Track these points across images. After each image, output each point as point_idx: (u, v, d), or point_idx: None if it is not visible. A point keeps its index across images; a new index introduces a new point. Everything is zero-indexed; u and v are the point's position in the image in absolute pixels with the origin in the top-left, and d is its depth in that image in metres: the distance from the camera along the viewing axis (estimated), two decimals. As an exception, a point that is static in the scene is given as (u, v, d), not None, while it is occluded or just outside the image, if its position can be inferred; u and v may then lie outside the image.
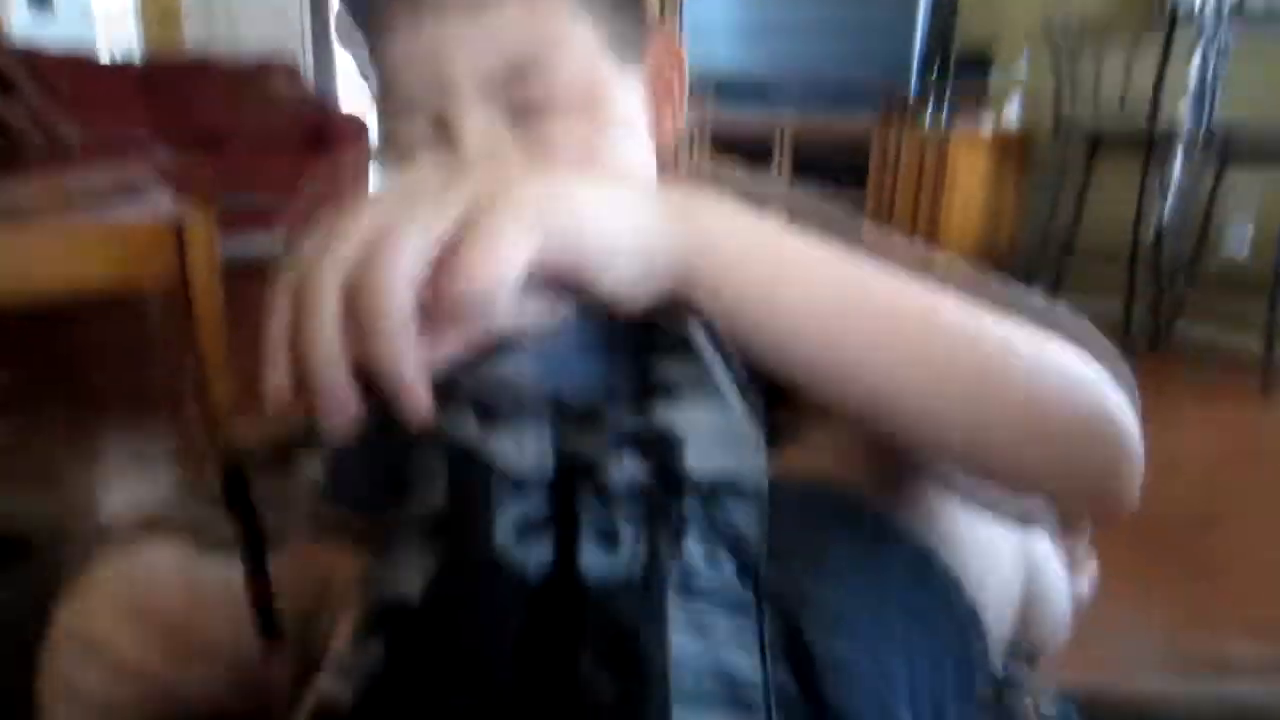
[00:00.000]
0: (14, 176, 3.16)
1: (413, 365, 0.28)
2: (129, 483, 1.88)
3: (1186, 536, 1.73)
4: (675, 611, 0.26)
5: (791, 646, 0.29)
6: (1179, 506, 1.82)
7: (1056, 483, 0.43)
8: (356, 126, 4.13)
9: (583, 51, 0.50)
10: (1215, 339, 3.07)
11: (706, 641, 0.27)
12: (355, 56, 0.54)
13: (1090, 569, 0.75)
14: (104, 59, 4.22)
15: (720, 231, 0.36)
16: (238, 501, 0.33)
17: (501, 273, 0.28)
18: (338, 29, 0.54)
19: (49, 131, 3.40)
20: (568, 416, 0.29)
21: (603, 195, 0.33)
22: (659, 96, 0.57)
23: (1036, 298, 0.44)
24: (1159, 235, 3.05)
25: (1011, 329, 0.41)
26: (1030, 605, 0.59)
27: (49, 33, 4.38)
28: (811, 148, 3.76)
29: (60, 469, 1.89)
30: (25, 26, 5.23)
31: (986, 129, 3.38)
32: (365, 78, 0.54)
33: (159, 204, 2.33)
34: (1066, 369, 0.41)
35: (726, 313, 0.35)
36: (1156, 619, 1.41)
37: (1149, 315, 3.03)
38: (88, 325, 2.95)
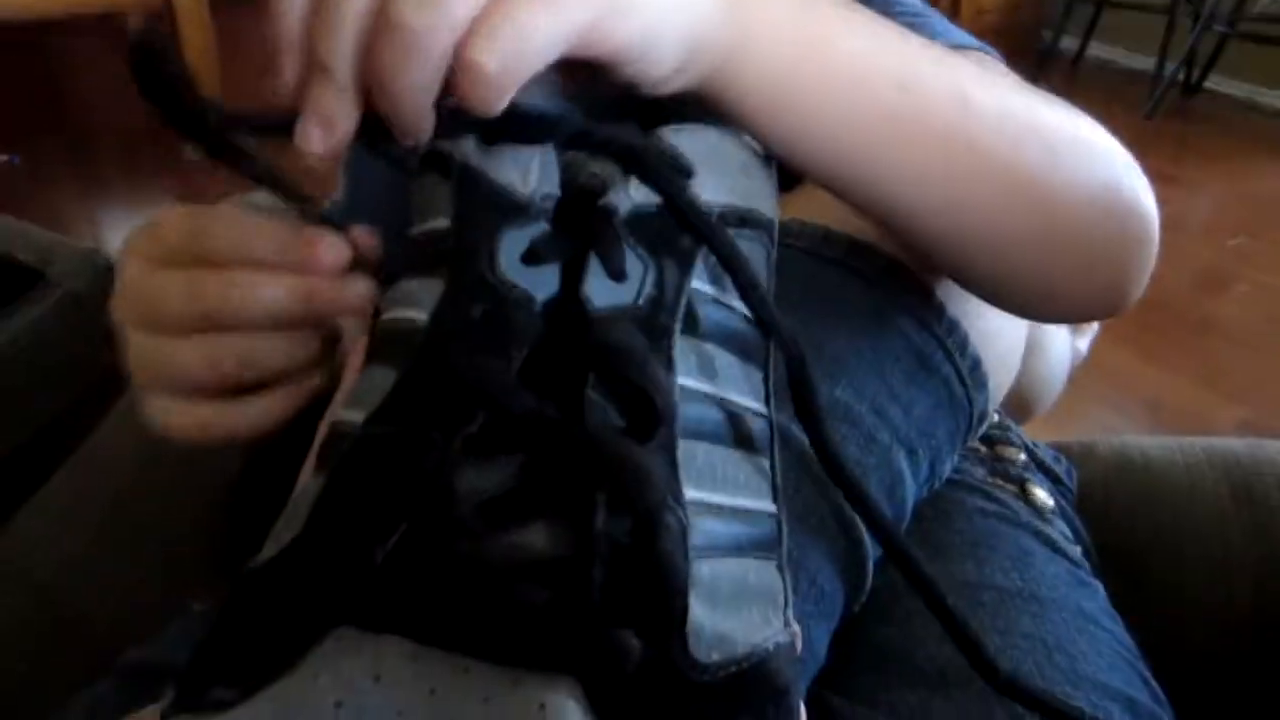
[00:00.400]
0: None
1: (426, 97, 0.26)
2: (129, 218, 1.87)
3: (1189, 301, 1.74)
4: (682, 349, 0.26)
5: (795, 388, 0.29)
6: (1184, 271, 1.81)
7: (1078, 280, 0.42)
8: None
9: None
10: (1250, 96, 2.92)
11: (713, 381, 0.27)
12: None
13: (1091, 326, 0.76)
14: None
15: (771, 24, 0.33)
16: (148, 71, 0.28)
17: (540, 45, 0.26)
18: None
19: None
20: (573, 140, 0.28)
21: None
22: None
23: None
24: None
25: (1043, 112, 0.39)
26: (1029, 355, 0.60)
27: None
28: None
29: (61, 203, 1.88)
30: None
31: None
32: None
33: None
34: (1103, 156, 0.39)
35: (752, 115, 0.33)
36: (1149, 385, 1.45)
37: (1182, 67, 2.87)
38: (72, 54, 2.82)
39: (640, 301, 0.26)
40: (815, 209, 0.48)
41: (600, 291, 0.25)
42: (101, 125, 2.33)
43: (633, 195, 0.27)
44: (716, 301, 0.28)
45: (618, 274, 0.25)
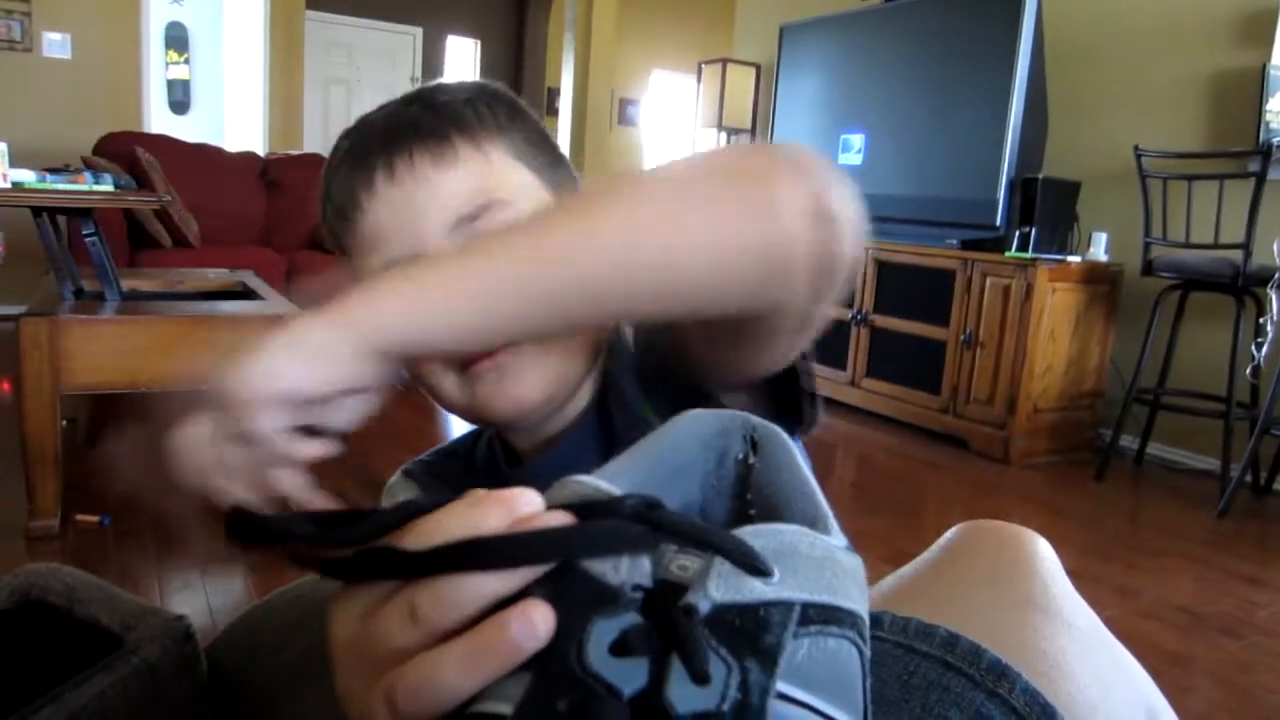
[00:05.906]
0: (139, 266, 3.38)
1: None
2: (200, 582, 1.92)
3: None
4: None
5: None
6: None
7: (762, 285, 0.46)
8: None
9: (532, 188, 0.63)
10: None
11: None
12: (338, 234, 0.64)
13: None
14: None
15: (378, 301, 0.44)
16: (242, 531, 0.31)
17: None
18: (325, 221, 0.66)
19: (172, 227, 3.64)
20: (663, 532, 0.28)
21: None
22: None
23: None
24: (1255, 383, 2.92)
25: (662, 178, 0.47)
26: None
27: (183, 133, 4.74)
28: (895, 274, 3.77)
29: (137, 562, 1.95)
30: (162, 125, 5.68)
31: (1074, 261, 3.32)
32: (343, 247, 0.65)
33: (263, 302, 2.46)
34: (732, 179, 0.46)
35: (412, 345, 0.45)
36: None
37: (1248, 469, 2.87)
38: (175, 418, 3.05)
39: (725, 707, 0.25)
40: (910, 606, 0.47)
41: (683, 697, 0.25)
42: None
43: (713, 594, 0.27)
44: (805, 705, 0.27)
45: (700, 677, 0.25)
